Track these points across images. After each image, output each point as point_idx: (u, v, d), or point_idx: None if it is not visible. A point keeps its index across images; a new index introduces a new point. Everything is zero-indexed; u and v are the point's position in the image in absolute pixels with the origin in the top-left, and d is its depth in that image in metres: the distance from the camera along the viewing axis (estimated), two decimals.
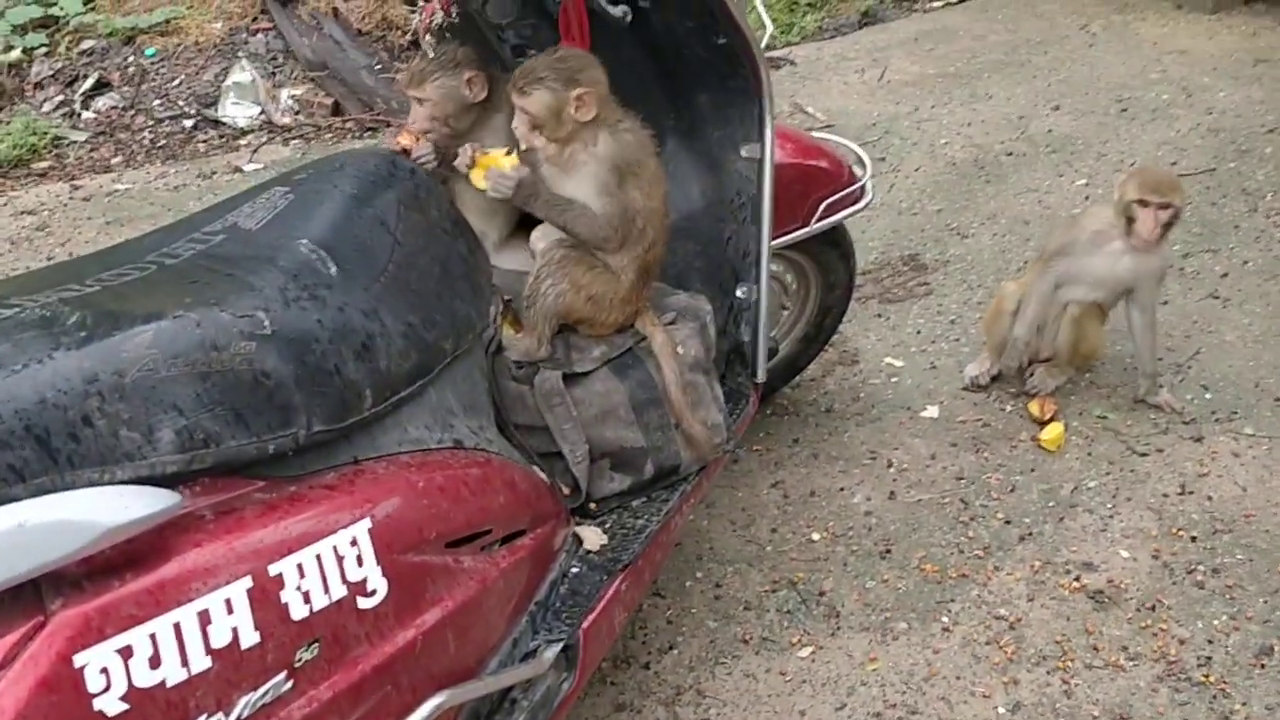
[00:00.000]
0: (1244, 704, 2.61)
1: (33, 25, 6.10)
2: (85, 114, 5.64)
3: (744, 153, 2.75)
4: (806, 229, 3.14)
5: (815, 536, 3.14)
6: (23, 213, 4.80)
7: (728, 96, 2.72)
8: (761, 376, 2.92)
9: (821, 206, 3.15)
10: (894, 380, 3.73)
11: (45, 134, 5.42)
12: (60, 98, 5.80)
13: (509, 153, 2.43)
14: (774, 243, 2.92)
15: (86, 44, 6.07)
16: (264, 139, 5.55)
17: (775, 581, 3.00)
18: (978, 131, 5.32)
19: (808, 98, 5.81)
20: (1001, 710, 2.63)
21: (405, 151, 2.42)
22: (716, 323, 2.76)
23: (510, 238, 2.76)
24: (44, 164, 5.30)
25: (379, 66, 6.01)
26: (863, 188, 3.28)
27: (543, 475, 2.32)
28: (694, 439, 2.53)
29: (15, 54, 5.95)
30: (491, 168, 2.39)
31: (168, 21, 6.23)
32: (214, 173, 5.28)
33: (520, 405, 2.44)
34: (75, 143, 5.49)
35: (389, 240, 2.00)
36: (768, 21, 3.06)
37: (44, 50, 6.04)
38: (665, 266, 2.85)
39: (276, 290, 1.75)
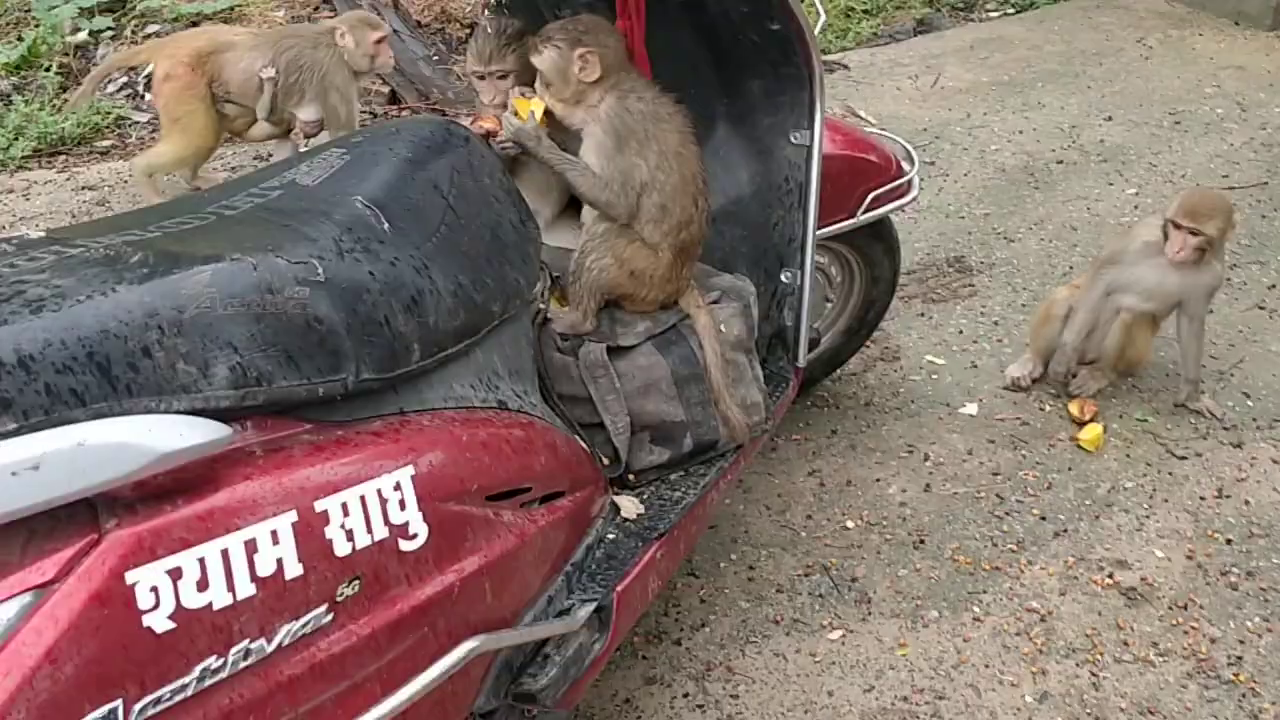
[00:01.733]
0: (1274, 703, 2.61)
1: (100, 8, 6.25)
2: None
3: (794, 139, 2.78)
4: (853, 220, 3.17)
5: (850, 524, 3.16)
6: (84, 188, 4.92)
7: (780, 83, 2.75)
8: (802, 361, 2.95)
9: (868, 199, 3.17)
10: (934, 377, 3.74)
11: (109, 114, 5.55)
12: (125, 79, 5.94)
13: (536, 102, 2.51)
14: (820, 232, 2.96)
15: (151, 28, 6.21)
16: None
17: (809, 566, 3.03)
18: (1029, 139, 5.31)
19: (860, 102, 5.82)
20: (1029, 699, 2.64)
21: (490, 135, 2.49)
22: (760, 306, 2.80)
23: (562, 216, 2.81)
24: (107, 142, 5.42)
25: (436, 58, 6.10)
26: (910, 182, 3.30)
27: (583, 444, 2.37)
28: (729, 420, 2.57)
29: (82, 35, 6.09)
30: (505, 113, 2.49)
31: (232, 9, 6.35)
32: (269, 155, 5.38)
33: (564, 376, 2.49)
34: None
35: (441, 203, 2.05)
36: (822, 10, 3.10)
37: (110, 34, 6.18)
38: (711, 249, 2.89)
39: (331, 241, 1.80)
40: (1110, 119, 5.44)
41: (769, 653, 2.79)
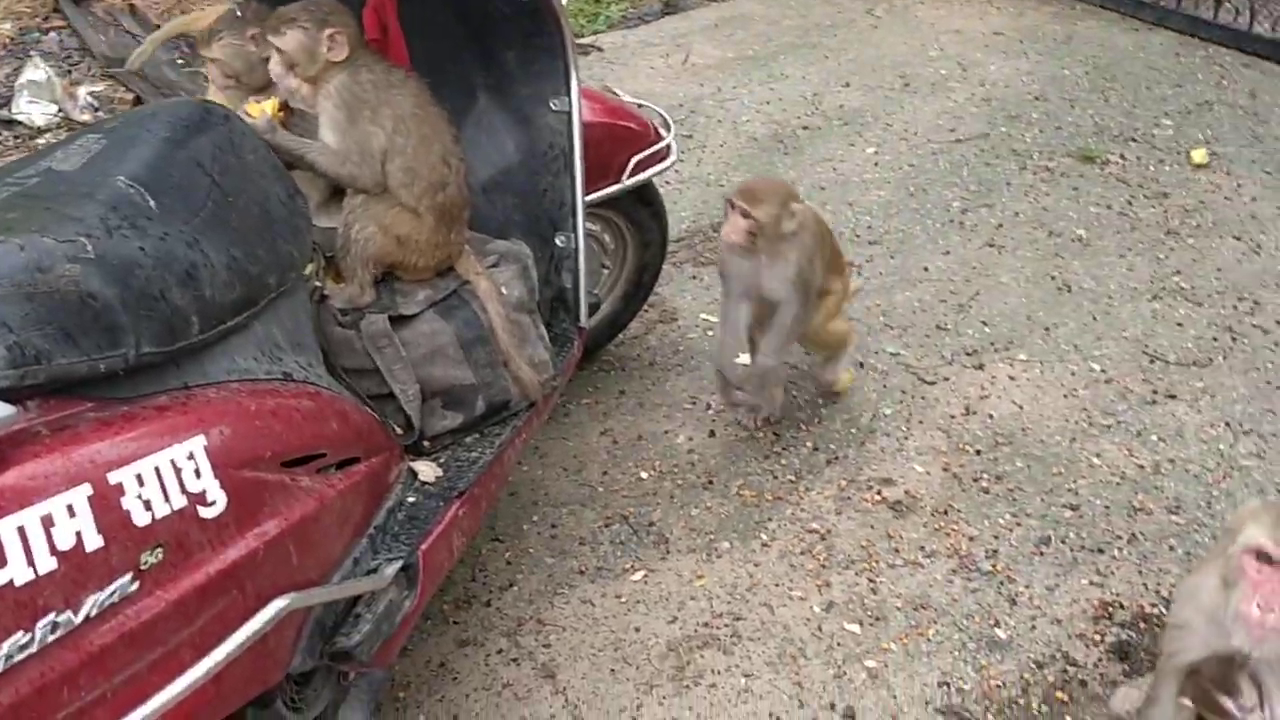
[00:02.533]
0: (1027, 586, 2.91)
1: None
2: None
3: (553, 106, 2.90)
4: (619, 185, 3.32)
5: (643, 475, 3.31)
6: None
7: (533, 53, 2.87)
8: (584, 321, 3.08)
9: (631, 164, 3.33)
10: (710, 334, 3.94)
11: None
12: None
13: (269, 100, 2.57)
14: (589, 198, 3.09)
15: None
16: (63, 137, 5.40)
17: (608, 517, 3.16)
18: (775, 109, 5.61)
19: (615, 81, 5.97)
20: (817, 609, 2.85)
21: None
22: (539, 270, 2.91)
23: (331, 199, 2.84)
24: None
25: (181, 61, 5.91)
26: (668, 147, 3.47)
27: (373, 414, 2.41)
28: (521, 379, 2.67)
29: None
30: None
31: None
32: None
33: (348, 349, 2.53)
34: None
35: (206, 180, 2.06)
36: None
37: None
38: (486, 219, 2.98)
39: (97, 220, 1.80)
40: (848, 85, 5.80)
41: (577, 601, 2.90)
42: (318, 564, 2.01)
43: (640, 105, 3.64)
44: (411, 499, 2.42)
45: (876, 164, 5.03)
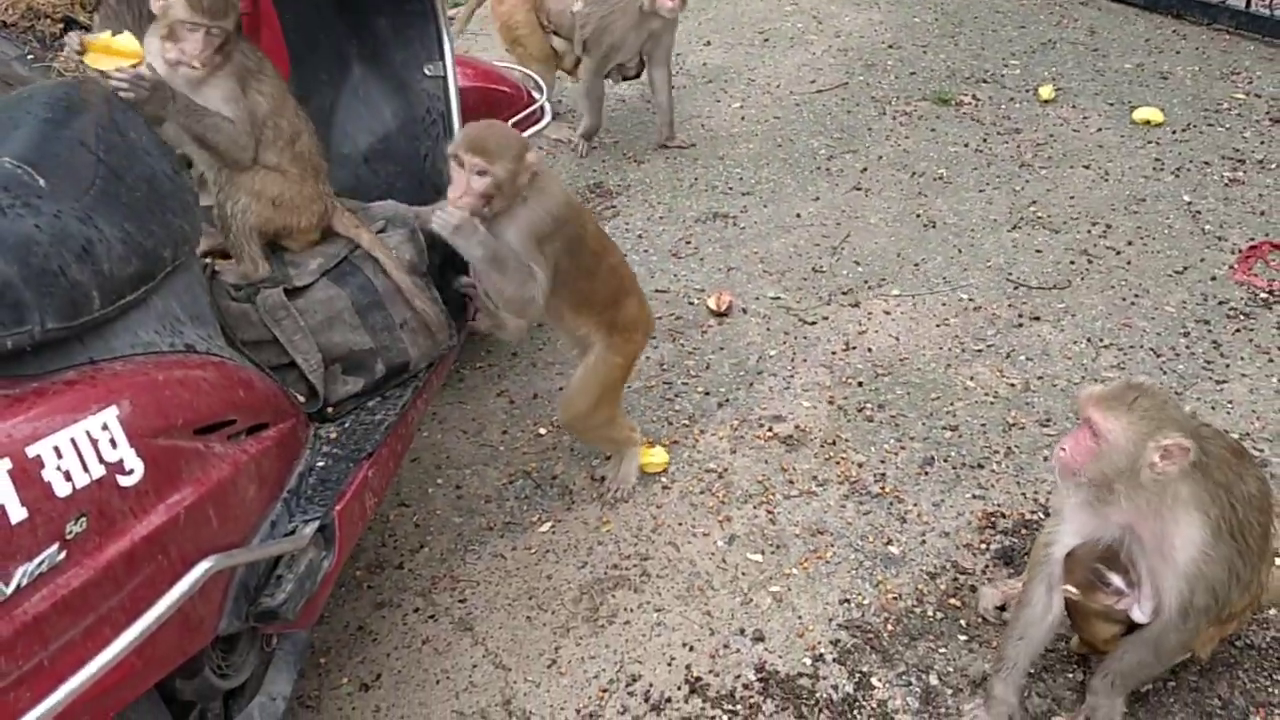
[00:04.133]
0: (915, 505, 3.08)
1: None
2: None
3: (427, 71, 2.94)
4: None
5: (542, 431, 3.39)
6: None
7: (405, 19, 2.89)
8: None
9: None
10: None
11: None
12: None
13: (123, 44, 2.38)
14: None
15: None
16: None
17: (511, 475, 3.23)
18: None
19: (481, 54, 6.01)
20: (720, 543, 2.97)
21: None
22: (427, 235, 2.94)
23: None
24: None
25: (31, 56, 5.71)
26: (542, 108, 3.54)
27: (276, 382, 2.43)
28: (430, 321, 2.71)
29: None
30: (123, 65, 2.34)
31: None
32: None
33: (245, 323, 2.54)
34: None
35: (91, 158, 2.05)
36: None
37: None
38: (369, 188, 3.01)
39: None
40: (709, 44, 5.93)
41: (488, 556, 2.97)
42: (237, 527, 2.04)
43: (512, 68, 3.69)
44: (321, 463, 2.45)
45: (743, 118, 5.16)
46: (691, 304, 3.95)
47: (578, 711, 2.52)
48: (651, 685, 2.58)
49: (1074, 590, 2.32)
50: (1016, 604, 2.46)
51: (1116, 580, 2.30)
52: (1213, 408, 3.33)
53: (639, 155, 4.94)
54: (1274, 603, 2.64)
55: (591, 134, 4.95)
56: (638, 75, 5.00)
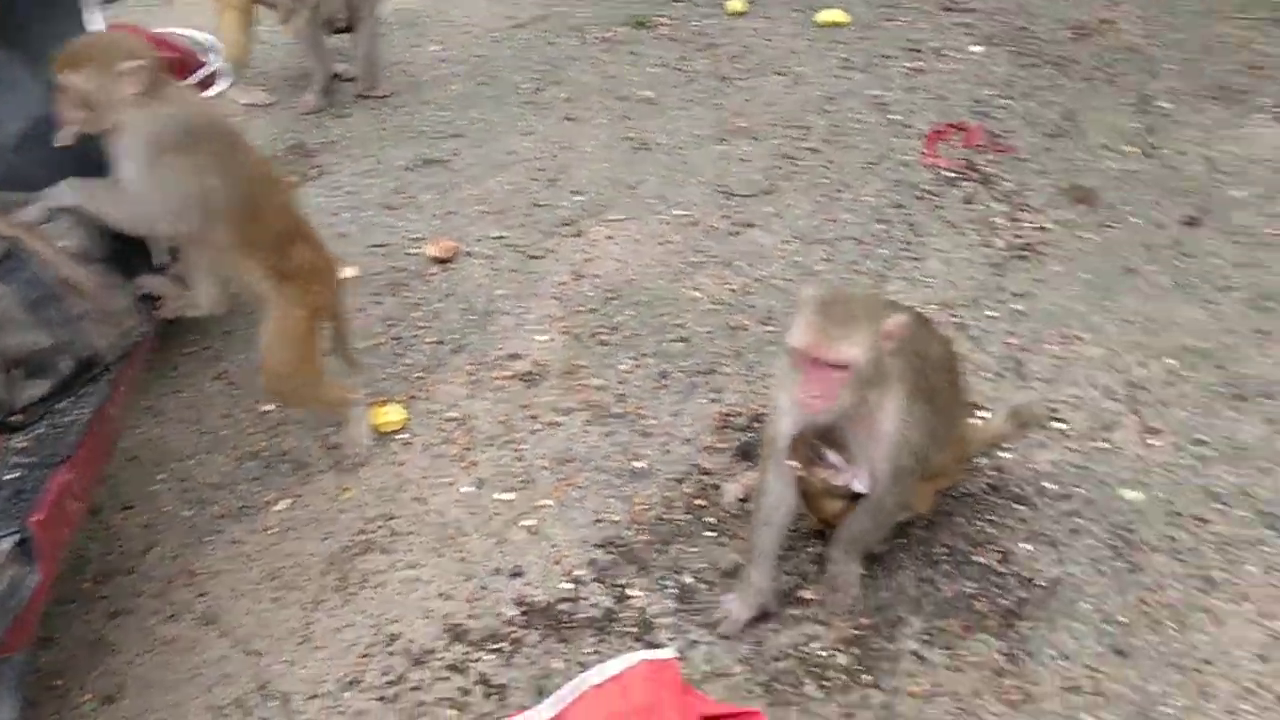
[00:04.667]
0: (655, 418, 3.13)
1: None
2: None
3: None
4: None
5: (267, 408, 3.23)
6: None
7: None
8: (161, 260, 2.92)
9: None
10: None
11: None
12: None
13: None
14: None
15: None
16: None
17: (239, 457, 3.08)
18: None
19: (158, 24, 5.63)
20: (468, 489, 2.93)
21: None
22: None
23: None
24: None
25: None
26: (216, 71, 3.34)
27: None
28: (113, 311, 2.52)
29: None
30: None
31: None
32: None
33: None
34: None
35: None
36: None
37: None
38: (26, 175, 2.74)
39: None
40: None
41: (224, 544, 2.82)
42: None
43: (179, 33, 3.47)
44: (13, 475, 2.25)
45: (444, 60, 5.05)
46: (412, 254, 3.85)
47: (338, 681, 2.44)
48: (412, 641, 2.53)
49: (799, 466, 2.42)
50: (755, 494, 2.54)
51: (832, 457, 2.41)
52: (914, 284, 3.53)
53: (339, 109, 4.76)
54: (979, 453, 2.84)
55: (325, 85, 4.73)
56: (349, 28, 4.80)
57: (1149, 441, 2.96)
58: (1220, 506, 2.78)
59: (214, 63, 3.34)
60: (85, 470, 2.39)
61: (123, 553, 2.83)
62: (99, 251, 2.62)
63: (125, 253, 2.87)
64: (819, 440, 2.41)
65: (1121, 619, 2.50)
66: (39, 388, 2.45)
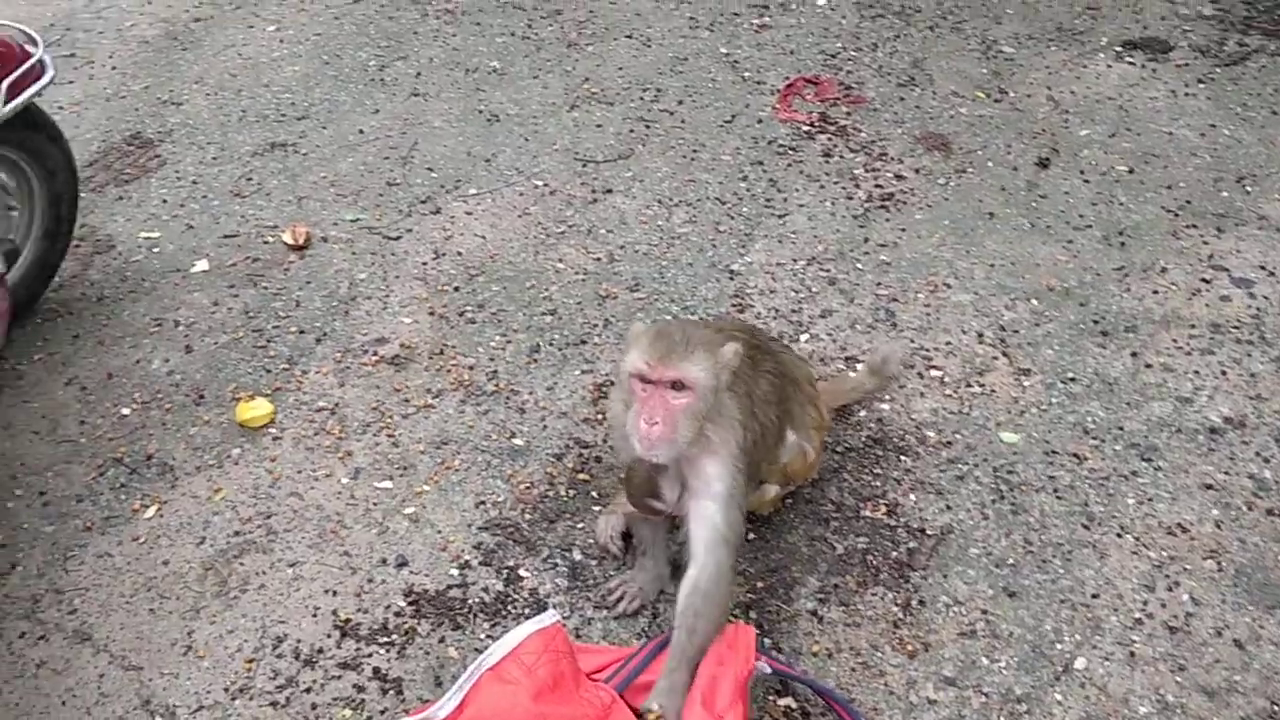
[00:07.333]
0: (530, 393, 3.11)
1: None
2: None
3: None
4: None
5: (126, 411, 3.10)
6: None
7: None
8: (1, 268, 2.77)
9: (3, 88, 2.99)
10: (156, 250, 3.71)
11: None
12: None
13: None
14: None
15: None
16: None
17: (100, 466, 2.95)
18: (160, 6, 5.23)
19: None
20: (345, 480, 2.88)
21: None
22: None
23: None
24: None
25: None
26: (41, 63, 3.15)
27: None
28: None
29: None
30: None
31: None
32: None
33: None
34: None
35: None
36: None
37: None
38: None
39: None
40: None
41: (92, 558, 2.71)
42: None
43: (2, 25, 3.26)
44: None
45: (282, 40, 4.88)
46: (267, 243, 3.73)
47: (226, 690, 2.38)
48: (300, 641, 2.48)
49: (632, 509, 2.43)
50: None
51: (663, 501, 2.35)
52: (780, 241, 3.58)
53: (175, 96, 4.56)
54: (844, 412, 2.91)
55: None
56: None
57: (1022, 383, 3.07)
58: (1094, 442, 2.91)
59: (36, 52, 3.14)
60: None
61: None
62: None
63: None
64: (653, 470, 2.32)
65: (1010, 561, 2.61)
66: None
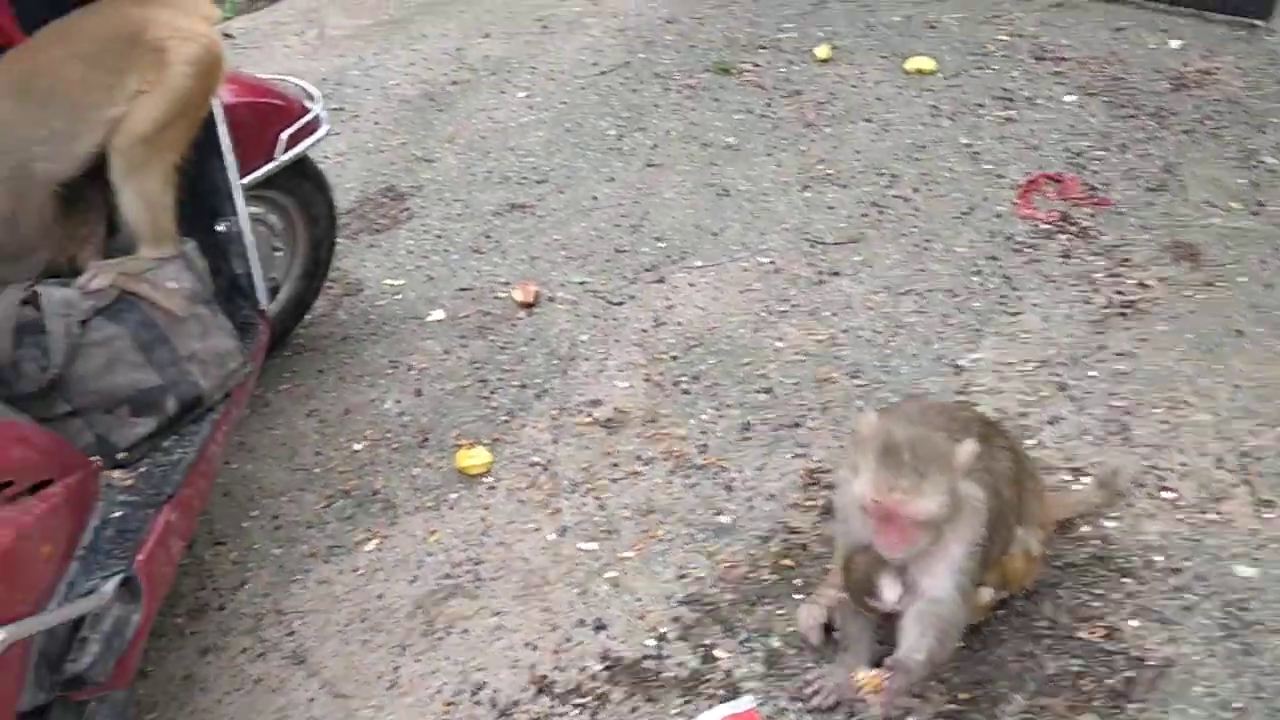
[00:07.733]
0: (739, 471, 3.12)
1: None
2: None
3: None
4: (274, 162, 3.23)
5: (357, 447, 3.28)
6: None
7: None
8: (264, 303, 3.00)
9: (283, 140, 3.25)
10: (398, 297, 3.93)
11: None
12: None
13: None
14: (246, 180, 3.00)
15: None
16: None
17: (329, 496, 3.12)
18: (421, 69, 5.57)
19: (254, 67, 5.76)
20: (552, 536, 2.95)
21: None
22: (207, 260, 2.80)
23: None
24: None
25: None
26: (318, 118, 3.41)
27: (56, 434, 2.28)
28: (220, 351, 2.60)
29: None
30: None
31: None
32: None
33: (18, 375, 2.37)
34: None
35: None
36: None
37: None
38: None
39: None
40: (488, 35, 5.84)
41: (313, 584, 2.87)
42: (28, 594, 1.90)
43: (281, 79, 3.55)
44: (118, 513, 2.30)
45: (530, 106, 5.11)
46: (498, 298, 3.90)
47: None
48: (498, 690, 2.54)
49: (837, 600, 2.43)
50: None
51: (887, 586, 2.32)
52: (1011, 340, 3.48)
53: (428, 154, 4.84)
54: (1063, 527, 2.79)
55: None
56: None
57: (1263, 514, 2.88)
58: None
59: (314, 108, 3.40)
60: (188, 509, 2.45)
61: (214, 589, 2.88)
62: (207, 293, 2.69)
63: (231, 294, 2.95)
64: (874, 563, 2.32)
65: (1236, 704, 2.43)
66: (145, 426, 2.52)
